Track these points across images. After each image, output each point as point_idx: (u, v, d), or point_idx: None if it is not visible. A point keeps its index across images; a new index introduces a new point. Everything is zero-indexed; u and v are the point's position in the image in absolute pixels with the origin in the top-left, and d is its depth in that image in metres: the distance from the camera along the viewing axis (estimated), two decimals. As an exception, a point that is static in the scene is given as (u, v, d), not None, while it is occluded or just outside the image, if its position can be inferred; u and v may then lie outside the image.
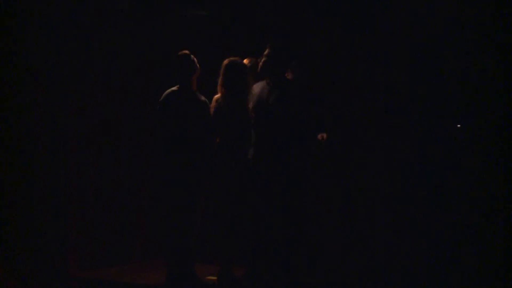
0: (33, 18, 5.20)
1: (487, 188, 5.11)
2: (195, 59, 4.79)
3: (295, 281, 4.81)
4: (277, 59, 4.81)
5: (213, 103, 4.80)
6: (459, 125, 5.37)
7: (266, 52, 4.84)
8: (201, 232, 4.92)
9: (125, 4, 5.86)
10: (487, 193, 5.12)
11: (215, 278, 4.84)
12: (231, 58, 4.76)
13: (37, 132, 5.24)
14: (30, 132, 5.22)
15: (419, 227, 5.40)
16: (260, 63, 4.87)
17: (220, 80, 4.74)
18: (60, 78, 5.38)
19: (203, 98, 4.82)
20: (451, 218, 5.28)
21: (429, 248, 5.30)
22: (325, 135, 4.91)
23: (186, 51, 4.80)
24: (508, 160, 5.02)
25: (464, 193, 5.24)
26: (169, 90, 4.79)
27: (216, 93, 4.82)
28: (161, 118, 4.76)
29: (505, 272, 4.87)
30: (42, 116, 5.28)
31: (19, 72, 5.14)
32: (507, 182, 5.01)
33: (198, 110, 4.75)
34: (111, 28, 5.77)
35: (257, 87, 4.88)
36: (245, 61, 4.91)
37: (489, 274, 4.93)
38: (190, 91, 4.78)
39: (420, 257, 5.29)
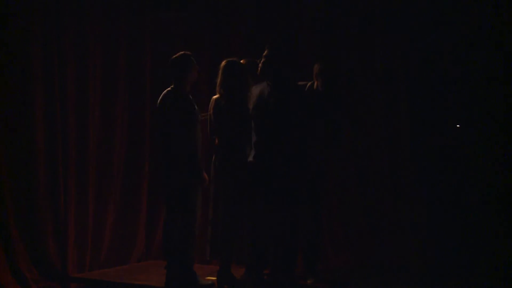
0: (32, 16, 5.21)
1: (487, 188, 5.13)
2: (193, 60, 4.77)
3: (293, 281, 4.82)
4: (277, 60, 4.80)
5: (212, 104, 4.80)
6: (458, 125, 5.38)
7: (265, 53, 4.85)
8: (200, 232, 4.92)
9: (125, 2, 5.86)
10: (487, 193, 5.13)
11: (214, 278, 4.84)
12: (229, 59, 4.75)
13: (37, 131, 5.24)
14: (30, 131, 5.22)
15: (419, 226, 5.41)
16: (260, 65, 4.87)
17: (218, 81, 4.73)
18: (59, 78, 5.39)
19: (189, 101, 4.74)
20: (451, 218, 5.30)
21: (428, 248, 5.32)
22: None
23: (188, 52, 4.79)
24: (508, 160, 5.04)
25: (463, 192, 5.25)
26: (165, 90, 4.79)
27: (215, 94, 4.82)
28: (155, 118, 4.76)
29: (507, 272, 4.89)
30: (42, 116, 5.28)
31: (18, 71, 5.15)
32: (507, 182, 5.03)
33: (178, 113, 4.71)
34: (110, 26, 5.77)
35: (257, 88, 4.88)
36: (242, 61, 4.90)
37: (489, 274, 4.94)
38: (180, 92, 4.74)
39: (419, 257, 5.31)
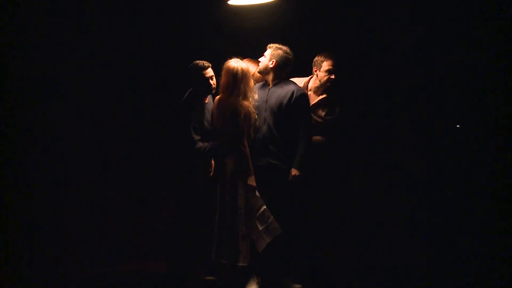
0: (32, 18, 5.22)
1: (487, 188, 5.13)
2: (212, 74, 4.77)
3: (294, 280, 4.83)
4: (277, 60, 4.82)
5: (215, 104, 4.81)
6: (458, 125, 5.39)
7: (265, 52, 4.86)
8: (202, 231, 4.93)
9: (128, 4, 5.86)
10: (486, 193, 5.13)
11: (214, 278, 4.85)
12: (232, 59, 4.76)
13: (37, 132, 5.24)
14: (30, 132, 5.22)
15: (418, 227, 5.41)
16: (260, 64, 4.88)
17: (221, 81, 4.75)
18: (60, 78, 5.39)
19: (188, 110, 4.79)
20: (451, 219, 5.30)
21: (427, 249, 5.32)
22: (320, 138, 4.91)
23: (204, 62, 4.78)
24: (508, 160, 5.04)
25: (463, 193, 5.26)
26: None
27: (218, 94, 4.83)
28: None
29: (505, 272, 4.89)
30: (42, 116, 5.29)
31: (17, 74, 5.16)
32: (507, 182, 5.03)
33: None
34: (112, 29, 5.78)
35: (257, 88, 4.89)
36: (245, 61, 4.91)
37: (489, 274, 4.94)
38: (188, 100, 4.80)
39: (419, 258, 5.31)
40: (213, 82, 4.76)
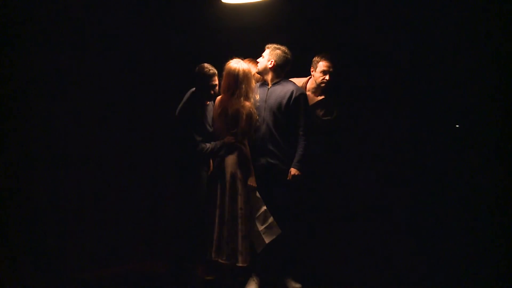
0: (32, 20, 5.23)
1: (487, 188, 5.13)
2: (216, 83, 4.75)
3: (294, 280, 4.84)
4: (275, 60, 4.83)
5: (217, 104, 4.81)
6: (457, 125, 5.39)
7: (264, 53, 4.87)
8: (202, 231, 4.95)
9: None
10: (486, 193, 5.13)
11: (213, 277, 4.86)
12: (233, 60, 4.76)
13: (37, 132, 5.25)
14: (30, 132, 5.23)
15: (418, 226, 5.42)
16: (259, 65, 4.89)
17: (222, 82, 4.75)
18: (60, 79, 5.40)
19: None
20: (449, 218, 5.30)
21: (427, 248, 5.33)
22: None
23: (211, 69, 4.75)
24: (508, 160, 5.04)
25: (463, 192, 5.26)
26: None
27: (219, 94, 4.84)
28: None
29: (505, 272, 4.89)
30: (41, 116, 5.29)
31: (17, 74, 5.16)
32: (507, 182, 5.03)
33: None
34: (112, 29, 5.78)
35: (257, 88, 4.90)
36: (246, 62, 4.92)
37: (488, 274, 4.94)
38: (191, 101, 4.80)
39: (418, 257, 5.32)
40: (214, 90, 4.75)
